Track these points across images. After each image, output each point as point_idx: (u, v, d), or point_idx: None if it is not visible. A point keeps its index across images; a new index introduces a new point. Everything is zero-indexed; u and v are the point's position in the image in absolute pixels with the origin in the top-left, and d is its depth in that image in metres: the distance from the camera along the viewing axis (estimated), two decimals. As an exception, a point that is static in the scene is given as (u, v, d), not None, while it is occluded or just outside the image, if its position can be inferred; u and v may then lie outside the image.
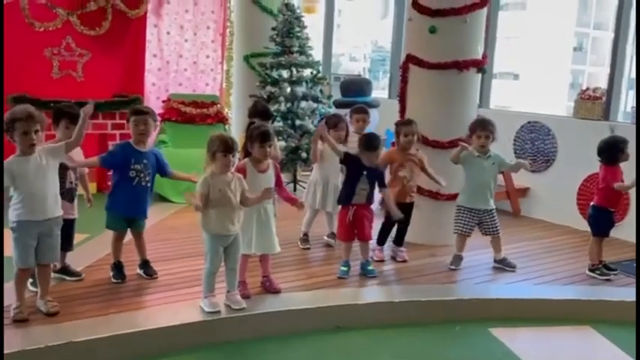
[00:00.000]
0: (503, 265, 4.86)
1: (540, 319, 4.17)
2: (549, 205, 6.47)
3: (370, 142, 4.44)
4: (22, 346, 3.24)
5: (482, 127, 4.74)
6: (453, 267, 4.81)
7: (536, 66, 28.74)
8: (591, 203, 4.87)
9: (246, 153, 4.02)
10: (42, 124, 3.52)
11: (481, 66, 5.32)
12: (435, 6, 5.13)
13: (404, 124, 4.94)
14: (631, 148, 4.66)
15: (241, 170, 3.89)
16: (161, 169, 4.35)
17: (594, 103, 6.21)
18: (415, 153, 4.92)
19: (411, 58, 5.34)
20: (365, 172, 4.42)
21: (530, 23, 28.64)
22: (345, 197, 4.51)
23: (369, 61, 30.07)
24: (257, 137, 3.91)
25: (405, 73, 5.42)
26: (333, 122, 5.06)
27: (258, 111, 5.10)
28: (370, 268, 4.57)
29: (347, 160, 4.50)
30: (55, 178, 3.60)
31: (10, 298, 3.62)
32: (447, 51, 5.17)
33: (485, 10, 5.30)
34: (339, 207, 4.65)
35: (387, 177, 4.83)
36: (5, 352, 3.15)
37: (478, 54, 5.29)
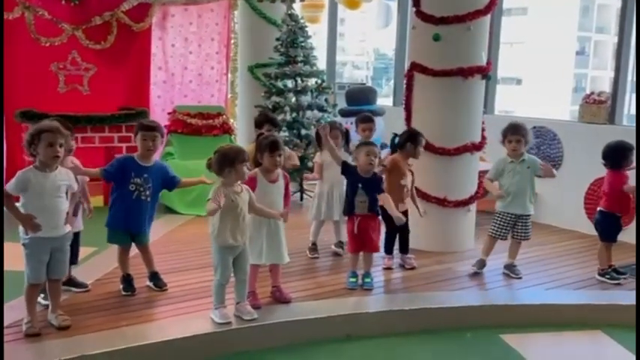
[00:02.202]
0: (509, 272, 4.85)
1: (551, 325, 4.17)
2: (557, 210, 6.46)
3: (368, 142, 4.52)
4: (34, 360, 3.25)
5: (513, 132, 4.70)
6: (475, 269, 4.82)
7: (538, 70, 28.75)
8: (598, 208, 4.86)
9: (257, 163, 4.03)
10: (66, 139, 3.56)
11: (486, 72, 5.33)
12: (439, 14, 5.16)
13: (420, 134, 4.92)
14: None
15: (252, 180, 3.91)
16: (168, 183, 4.32)
17: (599, 107, 6.21)
18: (411, 164, 4.93)
19: (415, 66, 5.36)
20: (360, 185, 4.38)
21: (531, 28, 28.67)
22: (348, 209, 4.50)
23: (371, 69, 30.15)
24: (266, 147, 3.92)
25: (409, 80, 5.44)
26: None
27: (269, 118, 5.15)
28: (367, 280, 4.49)
29: (345, 170, 4.50)
30: (64, 196, 3.61)
31: (21, 313, 3.63)
32: (451, 58, 5.18)
33: (488, 17, 5.33)
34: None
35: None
36: (18, 366, 3.17)
37: (482, 61, 5.31)
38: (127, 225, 4.23)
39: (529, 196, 4.78)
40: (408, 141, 4.84)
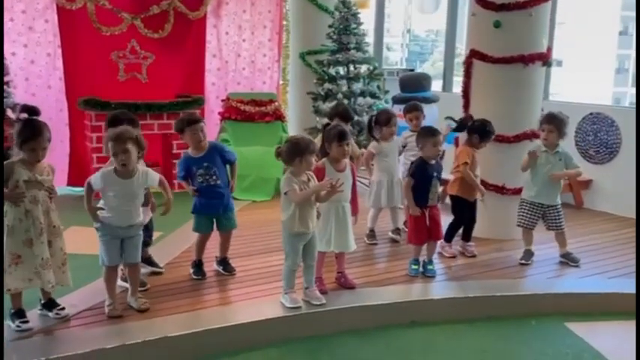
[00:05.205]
0: (567, 260, 4.86)
1: (616, 313, 4.18)
2: (613, 197, 6.41)
3: (431, 130, 4.53)
4: (121, 341, 3.41)
5: (547, 121, 4.73)
6: (523, 262, 4.82)
7: (579, 51, 28.05)
8: None
9: (324, 153, 4.11)
10: (135, 141, 3.59)
11: (546, 59, 5.30)
12: (500, 0, 5.13)
13: (492, 131, 4.94)
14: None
15: (321, 170, 3.99)
16: (223, 158, 4.44)
17: (660, 94, 6.11)
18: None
19: (474, 53, 5.35)
20: (435, 174, 4.46)
21: (573, 8, 27.93)
22: (421, 203, 4.48)
23: (406, 52, 29.77)
24: (335, 136, 4.01)
25: (468, 68, 5.44)
26: (384, 119, 5.13)
27: (339, 112, 5.23)
28: (430, 267, 4.55)
29: (414, 172, 4.48)
30: (141, 197, 3.74)
31: (102, 295, 3.80)
32: (511, 45, 5.16)
33: (549, 3, 5.28)
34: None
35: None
36: (106, 346, 3.34)
37: (543, 47, 5.27)
38: (210, 210, 4.40)
39: (557, 187, 4.80)
40: (477, 133, 4.88)
